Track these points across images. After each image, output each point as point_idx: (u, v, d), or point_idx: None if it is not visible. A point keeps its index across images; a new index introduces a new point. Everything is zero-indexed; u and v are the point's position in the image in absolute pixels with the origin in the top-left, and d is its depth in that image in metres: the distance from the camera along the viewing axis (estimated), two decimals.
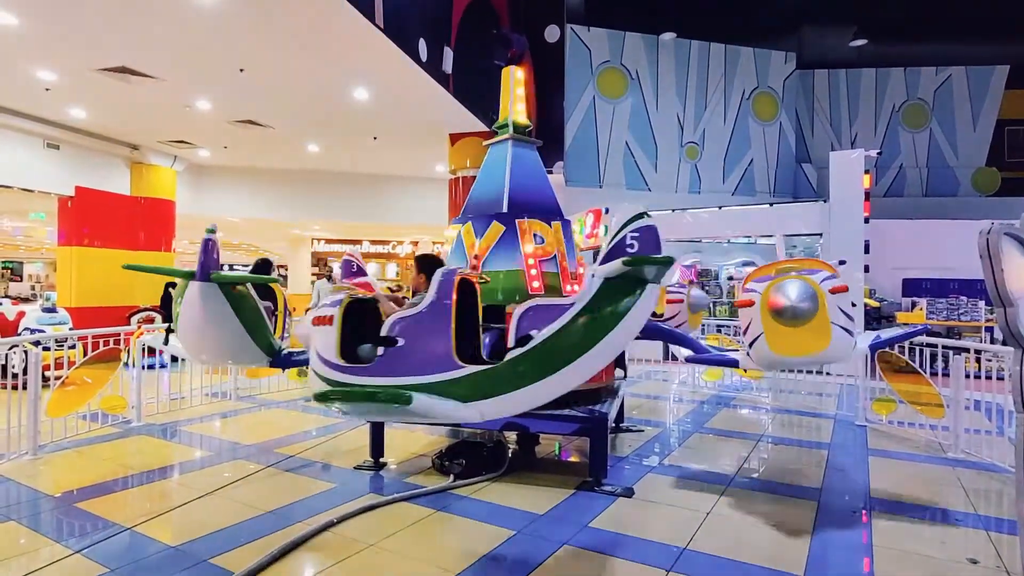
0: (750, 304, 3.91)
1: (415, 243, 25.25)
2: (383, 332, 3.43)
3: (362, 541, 3.56)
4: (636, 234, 3.20)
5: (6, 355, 6.52)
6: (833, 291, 3.74)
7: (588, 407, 4.78)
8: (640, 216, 3.25)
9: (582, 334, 3.12)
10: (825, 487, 4.64)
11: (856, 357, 6.75)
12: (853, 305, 4.06)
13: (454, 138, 11.42)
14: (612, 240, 3.25)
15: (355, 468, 4.95)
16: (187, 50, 7.59)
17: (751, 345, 3.98)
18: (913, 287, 12.87)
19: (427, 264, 4.10)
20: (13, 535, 3.64)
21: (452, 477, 4.65)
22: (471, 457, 4.84)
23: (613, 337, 3.11)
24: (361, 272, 5.66)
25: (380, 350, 3.39)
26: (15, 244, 27.01)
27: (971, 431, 5.70)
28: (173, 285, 11.76)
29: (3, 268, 27.93)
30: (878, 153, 11.57)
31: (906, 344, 6.31)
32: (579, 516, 3.98)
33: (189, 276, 4.02)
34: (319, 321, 3.73)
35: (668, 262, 3.00)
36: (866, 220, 10.22)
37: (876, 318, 11.95)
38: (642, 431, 6.33)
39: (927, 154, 17.96)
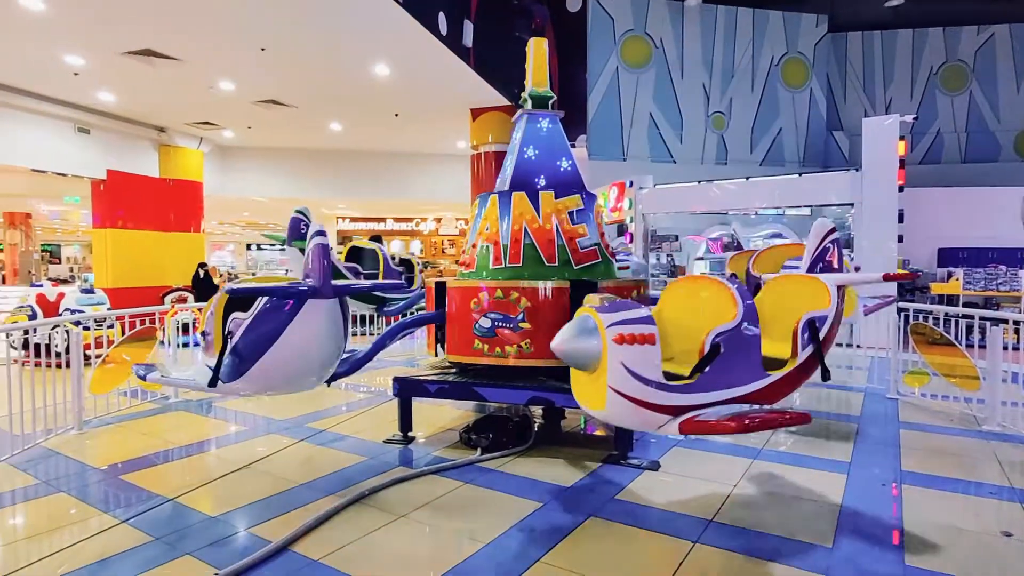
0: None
1: (438, 220, 25.32)
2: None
3: (393, 512, 3.66)
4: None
5: (49, 335, 6.78)
6: (618, 340, 2.97)
7: None
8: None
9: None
10: (855, 460, 4.60)
11: (888, 328, 6.63)
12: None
13: (475, 113, 11.34)
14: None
15: (384, 442, 5.06)
16: (209, 30, 7.64)
17: None
18: (949, 257, 12.51)
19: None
20: (64, 505, 3.83)
21: (479, 451, 4.73)
22: (498, 431, 4.91)
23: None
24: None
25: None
26: (52, 228, 27.86)
27: (1008, 403, 5.57)
28: (204, 265, 12.01)
29: (42, 251, 28.85)
30: (914, 118, 11.16)
31: (941, 315, 6.16)
32: (606, 488, 4.02)
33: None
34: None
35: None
36: (900, 189, 9.91)
37: (910, 289, 11.66)
38: None
39: (967, 118, 17.24)
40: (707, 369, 3.17)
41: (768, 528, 3.43)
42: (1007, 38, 17.00)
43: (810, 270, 4.01)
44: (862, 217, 10.01)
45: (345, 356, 4.15)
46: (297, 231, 5.43)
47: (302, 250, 4.94)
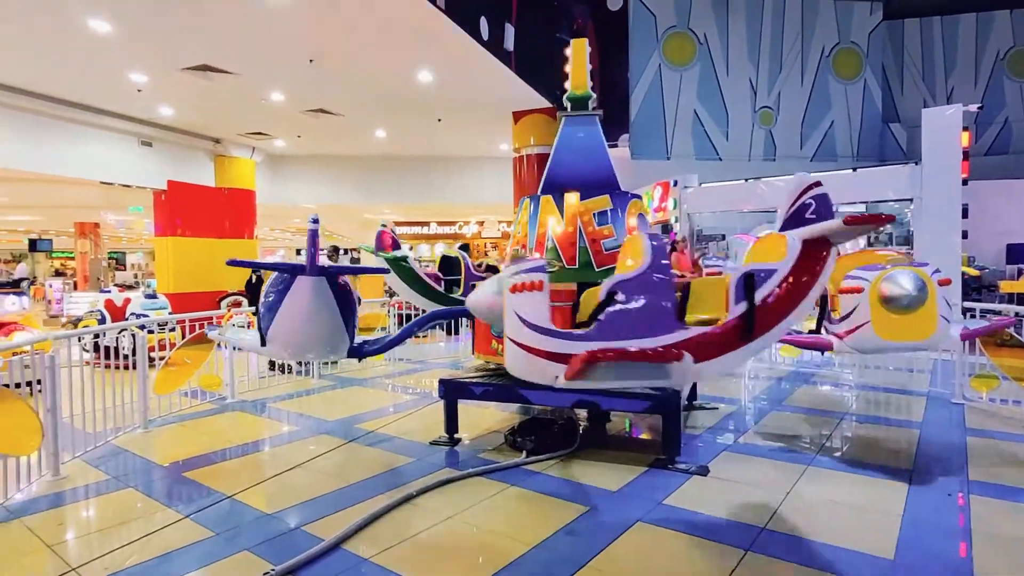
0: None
1: (481, 223, 25.51)
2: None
3: (440, 513, 3.71)
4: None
5: (116, 338, 7.17)
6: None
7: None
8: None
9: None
10: (917, 467, 4.39)
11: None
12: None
13: (517, 116, 11.37)
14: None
15: (431, 443, 5.13)
16: (260, 45, 7.93)
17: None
18: (1019, 253, 11.79)
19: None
20: (132, 500, 4.05)
21: (524, 453, 4.74)
22: (543, 434, 4.92)
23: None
24: (396, 245, 5.76)
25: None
26: (118, 236, 29.42)
27: None
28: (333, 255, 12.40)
29: (109, 258, 30.52)
30: (979, 108, 10.58)
31: (1011, 315, 5.82)
32: (652, 493, 3.97)
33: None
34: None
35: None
36: (964, 182, 9.39)
37: (976, 288, 11.05)
38: (716, 408, 6.19)
39: None
40: (602, 317, 3.19)
41: (824, 538, 3.31)
42: None
43: (784, 229, 3.46)
44: (922, 213, 9.54)
45: (378, 336, 4.41)
46: (381, 244, 5.70)
47: (389, 260, 5.47)
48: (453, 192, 17.04)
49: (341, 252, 10.32)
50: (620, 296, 3.21)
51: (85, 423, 5.09)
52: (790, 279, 3.13)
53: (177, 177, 12.78)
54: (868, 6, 15.78)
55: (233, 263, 4.22)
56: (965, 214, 9.51)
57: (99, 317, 9.72)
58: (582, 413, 5.70)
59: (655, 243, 3.33)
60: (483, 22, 8.02)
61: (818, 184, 3.38)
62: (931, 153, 9.49)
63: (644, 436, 5.56)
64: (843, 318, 4.34)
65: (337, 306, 4.04)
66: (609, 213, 5.13)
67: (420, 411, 6.26)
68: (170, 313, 9.67)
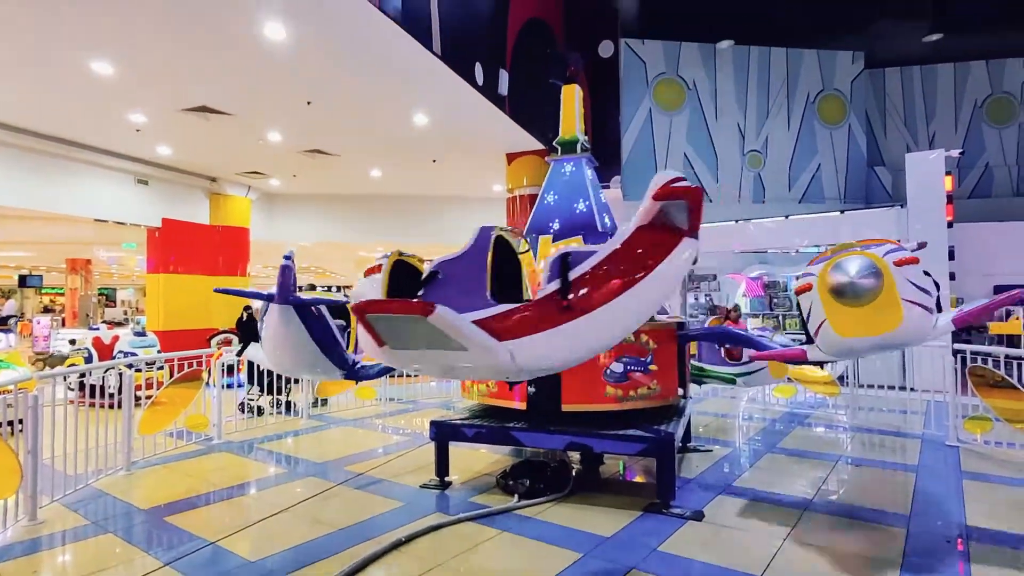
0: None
1: None
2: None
3: (430, 560, 3.60)
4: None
5: (103, 376, 7.06)
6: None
7: (654, 427, 4.68)
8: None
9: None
10: (915, 513, 4.33)
11: (944, 371, 6.32)
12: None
13: (511, 157, 11.56)
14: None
15: (421, 487, 5.03)
16: (259, 86, 8.08)
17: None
18: None
19: None
20: (111, 546, 3.91)
21: (517, 497, 4.65)
22: (535, 477, 4.83)
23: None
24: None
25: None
26: (110, 272, 29.29)
27: None
28: (248, 308, 12.35)
29: (99, 294, 30.30)
30: (960, 153, 10.86)
31: (1001, 357, 5.85)
32: (647, 539, 3.88)
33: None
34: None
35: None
36: (950, 224, 9.58)
37: (966, 328, 11.12)
38: (710, 451, 6.12)
39: (1016, 150, 16.70)
40: (422, 293, 3.32)
41: None
42: None
43: None
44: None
45: (375, 363, 4.59)
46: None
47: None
48: (447, 231, 17.14)
49: (327, 289, 10.31)
50: (440, 275, 3.35)
51: (66, 465, 4.96)
52: (613, 261, 3.00)
53: (172, 215, 12.82)
54: (850, 55, 16.36)
55: (220, 291, 4.65)
56: (952, 256, 9.66)
57: (86, 355, 9.59)
58: (575, 456, 5.62)
59: (482, 233, 3.48)
60: (478, 68, 8.23)
61: (679, 179, 3.11)
62: (916, 196, 9.71)
63: (638, 479, 5.47)
64: (805, 321, 3.88)
65: (307, 332, 4.14)
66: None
67: (411, 453, 6.15)
68: (159, 351, 9.57)
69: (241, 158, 12.09)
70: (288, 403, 8.27)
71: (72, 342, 12.15)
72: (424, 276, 3.42)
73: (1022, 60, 16.69)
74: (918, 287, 3.42)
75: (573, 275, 3.00)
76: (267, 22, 6.22)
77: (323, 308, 4.40)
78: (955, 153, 10.08)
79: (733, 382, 6.41)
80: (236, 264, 14.06)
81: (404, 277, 3.67)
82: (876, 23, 16.74)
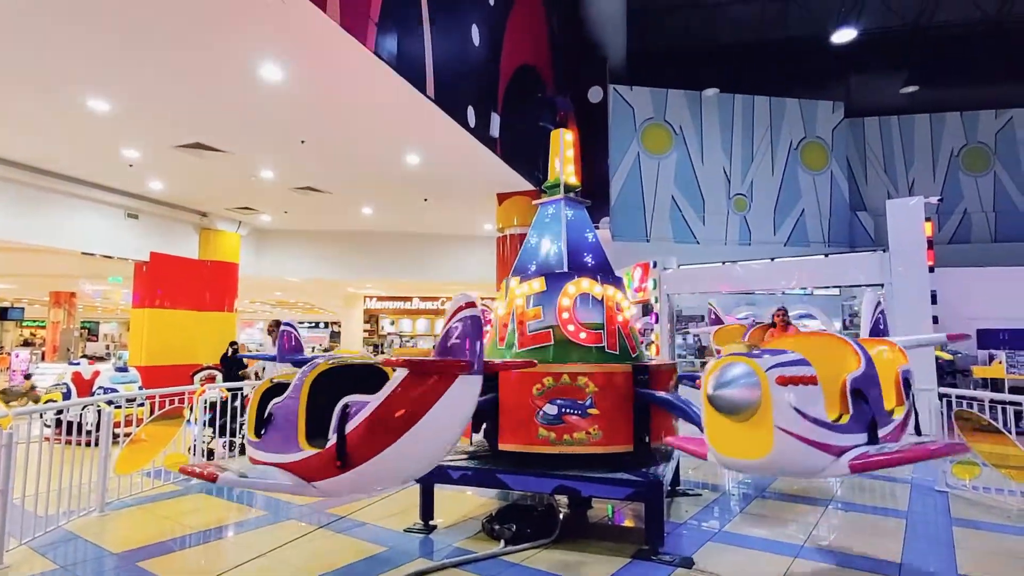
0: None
1: None
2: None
3: None
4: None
5: (81, 413, 6.90)
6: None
7: (642, 470, 4.62)
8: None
9: None
10: (905, 562, 4.27)
11: (931, 415, 6.34)
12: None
13: (501, 197, 11.72)
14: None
15: (405, 530, 4.90)
16: (254, 125, 8.21)
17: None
18: (989, 338, 12.07)
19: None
20: None
21: (503, 542, 4.54)
22: (522, 521, 4.72)
23: None
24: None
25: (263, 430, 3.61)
26: (94, 306, 28.92)
27: None
28: (234, 344, 12.19)
29: (81, 328, 29.83)
30: (939, 200, 11.17)
31: (986, 400, 5.89)
32: None
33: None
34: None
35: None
36: (931, 269, 9.75)
37: (951, 372, 11.22)
38: (700, 495, 6.04)
39: (993, 198, 17.20)
40: (263, 432, 3.57)
41: None
42: None
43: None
44: (893, 298, 9.82)
45: None
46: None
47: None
48: (437, 269, 17.22)
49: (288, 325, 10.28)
50: (273, 417, 3.52)
51: (37, 505, 4.79)
52: (385, 409, 3.08)
53: (161, 249, 12.78)
54: (830, 105, 16.94)
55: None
56: (934, 300, 9.80)
57: (64, 391, 9.38)
58: (563, 499, 5.52)
59: (300, 374, 3.48)
60: (470, 111, 8.43)
61: (471, 305, 3.15)
62: (897, 241, 9.91)
63: (627, 523, 5.37)
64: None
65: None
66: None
67: (395, 495, 6.01)
68: (140, 387, 9.38)
69: (233, 194, 12.16)
70: (243, 445, 7.71)
71: (28, 376, 11.89)
72: (264, 417, 3.57)
73: (994, 112, 17.36)
74: (805, 415, 2.95)
75: (351, 426, 3.14)
76: (264, 63, 6.36)
77: None
78: (934, 200, 10.33)
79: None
80: (223, 299, 13.96)
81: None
82: (854, 75, 17.44)
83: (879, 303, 5.08)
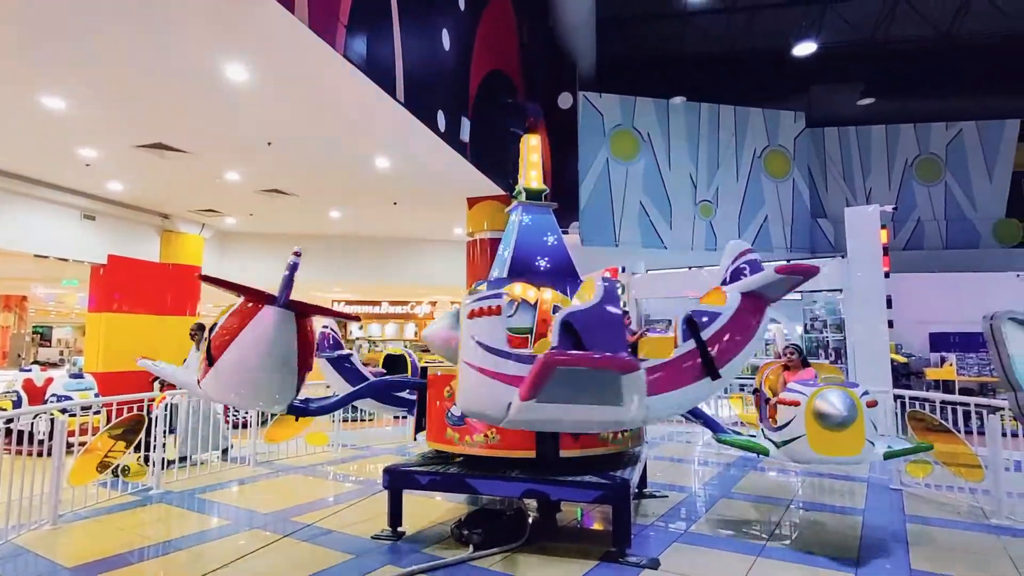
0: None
1: (433, 303, 25.47)
2: None
3: None
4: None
5: (32, 422, 6.61)
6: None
7: (609, 473, 4.67)
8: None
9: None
10: (862, 557, 4.42)
11: (886, 415, 6.57)
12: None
13: (471, 202, 11.71)
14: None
15: (373, 537, 4.85)
16: (219, 126, 8.03)
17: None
18: (941, 341, 12.57)
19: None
20: None
21: (472, 547, 4.53)
22: (491, 526, 4.73)
23: None
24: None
25: None
26: (46, 310, 27.82)
27: (1014, 494, 5.43)
28: (197, 333, 11.89)
29: (33, 333, 28.63)
30: (894, 208, 11.60)
31: (937, 401, 6.13)
32: None
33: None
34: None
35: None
36: (886, 275, 10.12)
37: (905, 374, 11.63)
38: (666, 496, 6.14)
39: (944, 207, 17.94)
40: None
41: None
42: (975, 133, 18.04)
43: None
44: (851, 302, 10.16)
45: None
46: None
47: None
48: (406, 273, 17.08)
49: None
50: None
51: None
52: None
53: (120, 251, 12.37)
54: (792, 115, 17.44)
55: (204, 279, 4.60)
56: (889, 304, 10.17)
57: (15, 399, 9.00)
58: (532, 503, 5.54)
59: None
60: (440, 115, 8.41)
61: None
62: (855, 247, 10.25)
63: (596, 526, 5.42)
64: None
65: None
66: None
67: (362, 502, 5.94)
68: (96, 395, 9.06)
69: (196, 196, 11.86)
70: (165, 461, 6.79)
71: None
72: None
73: (945, 124, 18.12)
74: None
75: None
76: (230, 63, 6.23)
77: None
78: (889, 208, 10.74)
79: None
80: (185, 303, 13.58)
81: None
82: (815, 86, 18.01)
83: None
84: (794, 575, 4.09)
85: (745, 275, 4.20)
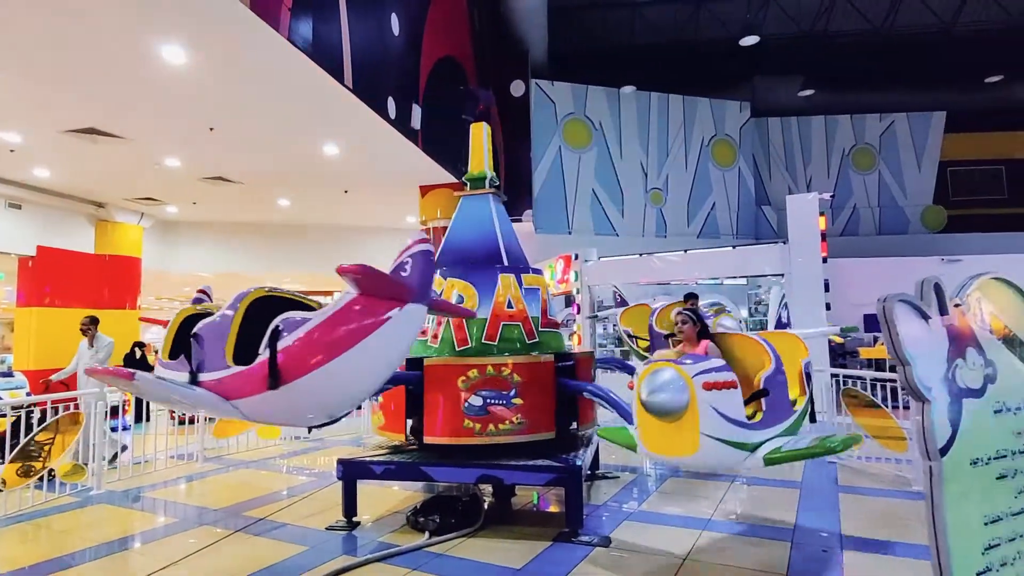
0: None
1: None
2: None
3: None
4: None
5: None
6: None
7: (562, 456, 4.78)
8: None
9: None
10: (798, 526, 4.69)
11: (823, 393, 6.93)
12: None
13: (424, 190, 11.62)
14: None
15: (327, 528, 4.82)
16: (156, 110, 7.68)
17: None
18: (874, 322, 13.27)
19: None
20: None
21: (427, 534, 4.57)
22: (446, 512, 4.78)
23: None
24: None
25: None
26: None
27: None
28: (141, 345, 11.44)
29: None
30: (831, 196, 12.16)
31: (868, 379, 6.50)
32: (556, 569, 3.94)
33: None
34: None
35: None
36: (824, 260, 10.61)
37: (841, 353, 12.27)
38: (618, 477, 6.32)
39: (878, 195, 18.88)
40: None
41: None
42: (906, 125, 19.02)
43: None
44: (792, 286, 10.61)
45: None
46: None
47: None
48: (359, 260, 16.77)
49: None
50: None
51: None
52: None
53: (50, 242, 11.72)
54: (738, 105, 17.95)
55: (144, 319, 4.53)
56: (827, 288, 10.68)
57: None
58: (488, 489, 5.62)
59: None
60: (391, 102, 8.29)
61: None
62: (795, 234, 10.70)
63: (551, 509, 5.54)
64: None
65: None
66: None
67: (317, 494, 5.88)
68: (28, 393, 8.61)
69: (134, 183, 11.33)
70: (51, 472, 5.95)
71: None
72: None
73: (879, 116, 19.02)
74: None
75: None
76: (165, 45, 5.97)
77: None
78: (827, 196, 11.23)
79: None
80: (124, 296, 13.03)
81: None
82: (759, 77, 18.55)
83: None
84: (736, 546, 4.30)
85: (405, 271, 3.44)
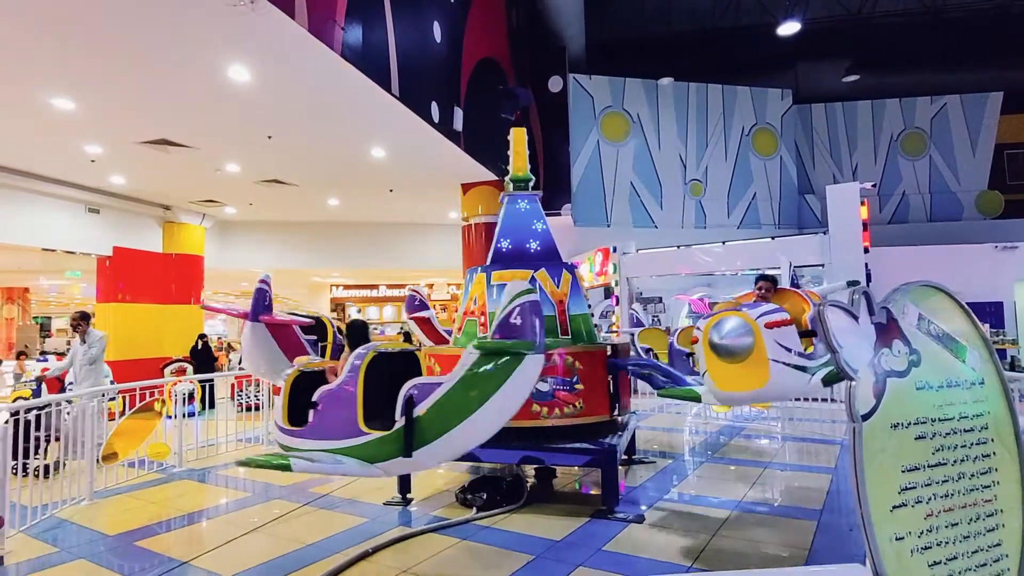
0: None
1: (430, 285, 25.84)
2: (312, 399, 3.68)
3: (395, 567, 3.92)
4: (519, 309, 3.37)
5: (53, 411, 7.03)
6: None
7: (599, 440, 5.13)
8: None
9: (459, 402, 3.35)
10: (826, 508, 4.91)
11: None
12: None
13: (466, 187, 12.03)
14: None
15: (384, 504, 5.31)
16: (221, 120, 8.33)
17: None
18: None
19: (353, 334, 4.39)
20: (85, 571, 4.06)
21: (475, 509, 5.00)
22: (491, 490, 5.19)
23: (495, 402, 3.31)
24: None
25: (310, 415, 3.65)
26: (47, 300, 28.11)
27: None
28: (204, 337, 12.26)
29: (33, 323, 28.93)
30: (873, 185, 11.97)
31: None
32: (593, 541, 4.30)
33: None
34: (275, 391, 4.39)
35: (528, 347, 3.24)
36: (866, 250, 10.53)
37: None
38: (654, 463, 6.62)
39: (928, 180, 18.32)
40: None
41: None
42: (959, 107, 18.34)
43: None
44: (833, 277, 10.58)
45: None
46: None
47: None
48: (403, 256, 17.45)
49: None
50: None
51: (23, 496, 5.02)
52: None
53: (123, 243, 12.70)
54: (779, 92, 17.70)
55: (206, 307, 6.25)
56: (869, 278, 10.60)
57: (34, 388, 9.41)
58: (529, 469, 6.01)
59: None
60: (434, 106, 8.72)
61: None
62: (836, 224, 10.65)
63: (593, 492, 5.90)
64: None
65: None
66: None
67: None
68: (112, 382, 9.47)
69: (197, 187, 12.16)
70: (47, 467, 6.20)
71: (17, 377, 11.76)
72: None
73: (930, 99, 18.41)
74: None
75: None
76: (232, 65, 6.54)
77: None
78: (869, 185, 11.12)
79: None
80: (189, 292, 13.96)
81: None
82: (801, 63, 18.22)
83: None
84: (763, 526, 4.57)
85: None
